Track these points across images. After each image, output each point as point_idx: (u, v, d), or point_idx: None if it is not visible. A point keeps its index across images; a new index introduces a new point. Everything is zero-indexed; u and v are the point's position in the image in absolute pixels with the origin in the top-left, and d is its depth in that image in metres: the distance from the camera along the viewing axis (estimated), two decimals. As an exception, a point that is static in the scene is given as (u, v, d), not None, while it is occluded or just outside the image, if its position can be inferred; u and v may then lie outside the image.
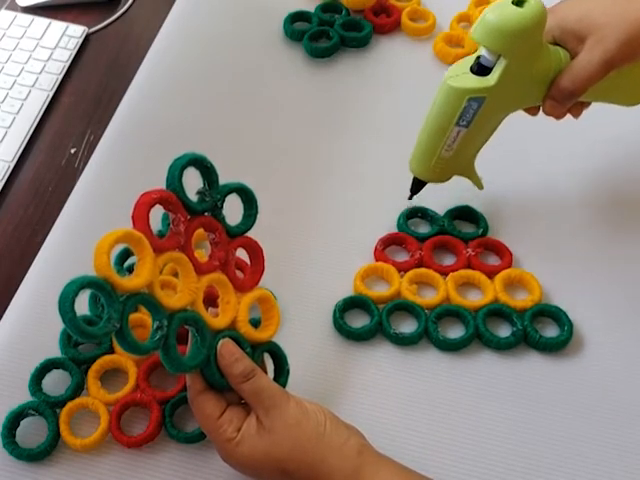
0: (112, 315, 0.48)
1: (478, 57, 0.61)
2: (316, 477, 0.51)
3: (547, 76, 0.62)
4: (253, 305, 0.58)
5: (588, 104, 0.67)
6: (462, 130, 0.63)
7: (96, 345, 0.63)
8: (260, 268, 0.59)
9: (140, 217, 0.51)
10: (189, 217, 0.54)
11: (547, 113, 0.64)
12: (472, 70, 0.62)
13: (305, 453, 0.51)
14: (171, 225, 0.54)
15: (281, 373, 0.58)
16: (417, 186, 0.71)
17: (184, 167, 0.53)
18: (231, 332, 0.55)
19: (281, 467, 0.52)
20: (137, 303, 0.50)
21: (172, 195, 0.53)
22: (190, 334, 0.54)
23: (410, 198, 0.72)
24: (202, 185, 0.55)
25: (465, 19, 0.92)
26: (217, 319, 0.55)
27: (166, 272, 0.66)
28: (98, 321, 0.48)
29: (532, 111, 0.67)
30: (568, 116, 0.67)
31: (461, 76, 0.62)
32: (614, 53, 0.59)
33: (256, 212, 0.58)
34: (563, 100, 0.62)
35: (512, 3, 0.58)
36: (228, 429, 0.52)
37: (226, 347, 0.53)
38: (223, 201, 0.56)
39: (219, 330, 0.54)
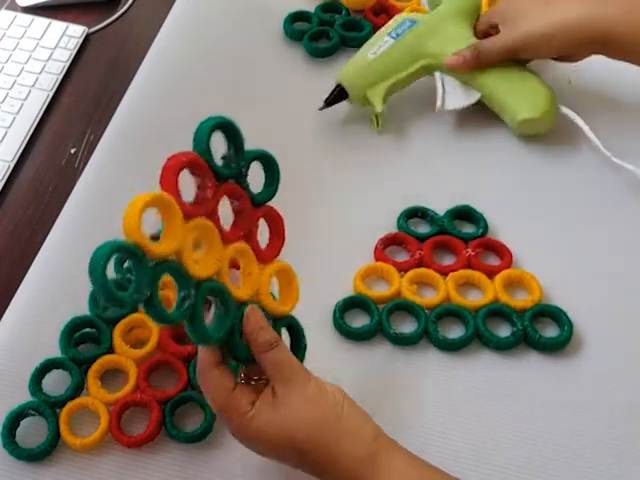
0: (141, 282, 0.46)
1: None
2: (330, 459, 0.50)
3: (471, 18, 0.79)
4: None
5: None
6: (390, 41, 0.77)
7: (96, 345, 0.63)
8: (281, 239, 0.57)
9: (168, 182, 0.49)
10: (217, 183, 0.53)
11: (449, 63, 0.73)
12: None
13: (321, 433, 0.50)
14: (197, 190, 0.52)
15: (298, 348, 0.57)
16: (335, 96, 0.77)
17: (212, 130, 0.51)
18: (253, 304, 0.53)
19: (295, 446, 0.50)
20: (166, 271, 0.48)
21: (201, 159, 0.51)
22: (213, 305, 0.52)
23: (321, 108, 0.78)
24: (227, 150, 0.54)
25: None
26: (240, 290, 0.53)
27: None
28: (127, 287, 0.47)
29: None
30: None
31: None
32: (524, 40, 0.72)
33: (278, 180, 0.57)
34: (471, 58, 0.73)
35: None
36: (243, 401, 0.51)
37: (254, 313, 0.52)
38: (248, 168, 0.55)
39: (242, 302, 0.53)
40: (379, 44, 0.77)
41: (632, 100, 0.83)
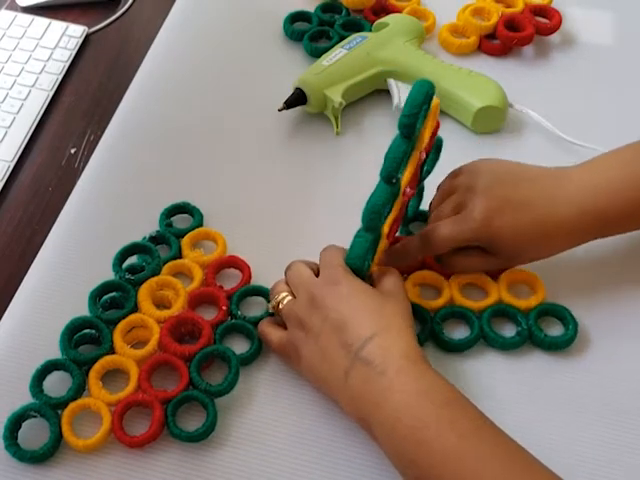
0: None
1: None
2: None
3: (416, 37, 0.87)
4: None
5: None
6: (343, 51, 0.83)
7: (96, 345, 0.62)
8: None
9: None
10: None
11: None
12: None
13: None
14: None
15: None
16: (294, 99, 0.80)
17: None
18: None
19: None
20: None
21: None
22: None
23: (281, 109, 0.79)
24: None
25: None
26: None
27: (165, 272, 0.67)
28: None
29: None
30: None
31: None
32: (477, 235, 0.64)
33: (437, 158, 0.67)
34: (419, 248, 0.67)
35: None
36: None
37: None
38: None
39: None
40: (333, 54, 0.83)
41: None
